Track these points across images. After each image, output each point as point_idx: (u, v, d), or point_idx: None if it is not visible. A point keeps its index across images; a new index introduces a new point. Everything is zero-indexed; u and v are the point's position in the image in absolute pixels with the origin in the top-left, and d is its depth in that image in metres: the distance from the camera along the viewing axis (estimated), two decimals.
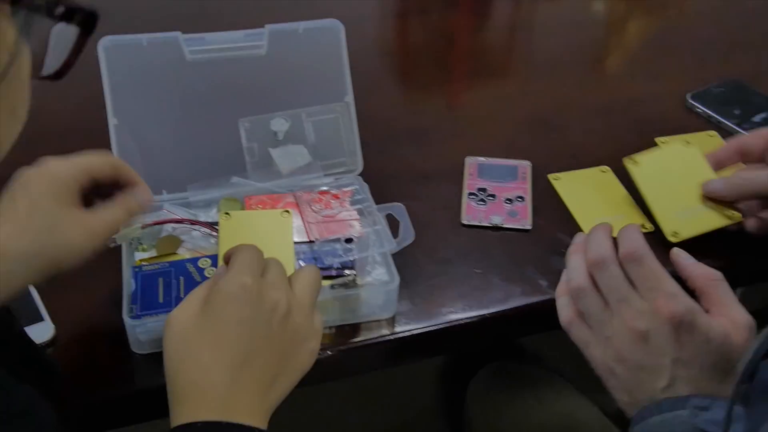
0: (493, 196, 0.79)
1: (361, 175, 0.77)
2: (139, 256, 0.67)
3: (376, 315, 0.67)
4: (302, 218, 0.71)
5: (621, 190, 0.80)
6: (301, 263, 0.67)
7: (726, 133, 0.89)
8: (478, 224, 0.76)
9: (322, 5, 1.12)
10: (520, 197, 0.79)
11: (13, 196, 0.56)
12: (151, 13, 1.12)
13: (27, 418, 0.47)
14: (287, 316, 0.54)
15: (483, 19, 1.24)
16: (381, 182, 0.76)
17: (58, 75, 0.41)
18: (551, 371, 0.89)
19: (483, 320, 0.68)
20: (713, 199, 0.73)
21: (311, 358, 0.56)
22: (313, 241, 0.68)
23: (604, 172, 0.83)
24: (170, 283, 0.65)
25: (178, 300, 0.61)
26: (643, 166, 0.76)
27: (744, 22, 1.16)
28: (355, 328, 0.66)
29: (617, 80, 1.04)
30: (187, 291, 0.56)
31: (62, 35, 0.40)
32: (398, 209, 0.70)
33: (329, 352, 0.64)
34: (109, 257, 0.63)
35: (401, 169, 0.83)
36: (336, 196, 0.73)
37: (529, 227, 0.76)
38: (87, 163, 0.59)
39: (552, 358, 0.92)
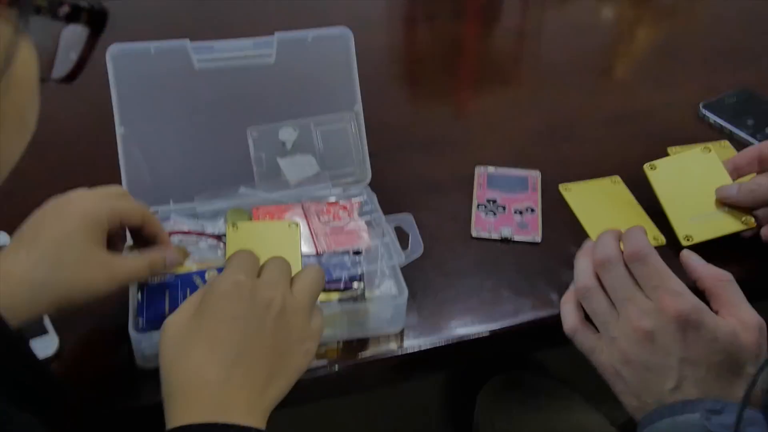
0: (503, 207, 0.78)
1: (369, 185, 0.76)
2: None
3: (384, 329, 0.66)
4: (310, 229, 0.70)
5: (632, 202, 0.80)
6: None
7: (739, 144, 0.88)
8: (488, 237, 0.76)
9: (329, 11, 1.12)
10: (531, 209, 0.78)
11: (42, 223, 0.56)
12: (159, 19, 1.11)
13: None
14: (281, 314, 0.53)
15: (491, 26, 1.23)
16: (389, 192, 0.75)
17: (70, 77, 0.41)
18: (560, 382, 0.88)
19: (493, 335, 0.67)
20: (729, 206, 0.72)
21: (307, 359, 0.55)
22: (321, 254, 0.68)
23: (615, 182, 0.82)
24: (177, 295, 0.64)
25: None
26: (660, 170, 0.75)
27: (755, 30, 1.15)
28: (362, 343, 0.65)
29: (627, 88, 1.03)
30: None
31: (72, 37, 0.39)
32: (407, 221, 0.69)
33: (336, 368, 0.63)
34: None
35: (410, 179, 0.82)
36: (344, 207, 0.72)
37: (539, 240, 0.75)
38: (121, 209, 0.59)
39: (558, 369, 0.91)
